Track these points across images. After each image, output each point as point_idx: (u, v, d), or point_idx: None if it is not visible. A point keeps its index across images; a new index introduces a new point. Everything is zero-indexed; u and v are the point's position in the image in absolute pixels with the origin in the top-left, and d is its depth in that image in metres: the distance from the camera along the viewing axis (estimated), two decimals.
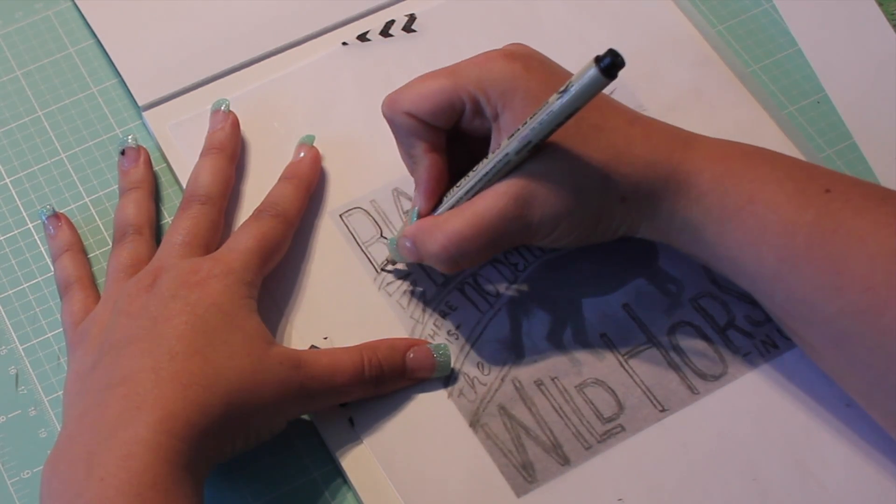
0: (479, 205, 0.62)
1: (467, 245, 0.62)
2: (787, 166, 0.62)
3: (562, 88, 0.57)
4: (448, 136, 0.65)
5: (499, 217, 0.61)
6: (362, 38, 0.76)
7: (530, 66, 0.62)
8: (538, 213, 0.61)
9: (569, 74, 0.61)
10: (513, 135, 0.60)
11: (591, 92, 0.57)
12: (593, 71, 0.56)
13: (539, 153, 0.61)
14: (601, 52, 0.56)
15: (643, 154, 0.61)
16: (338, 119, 0.73)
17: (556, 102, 0.58)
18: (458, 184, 0.64)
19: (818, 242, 0.59)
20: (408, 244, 0.64)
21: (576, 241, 0.63)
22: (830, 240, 0.58)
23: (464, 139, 0.65)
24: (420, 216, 0.65)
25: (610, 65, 0.55)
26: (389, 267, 0.68)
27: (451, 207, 0.64)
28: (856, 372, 0.60)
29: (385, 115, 0.65)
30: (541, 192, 0.61)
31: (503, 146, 0.61)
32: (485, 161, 0.62)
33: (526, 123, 0.59)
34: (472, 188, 0.63)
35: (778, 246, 0.59)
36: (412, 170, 0.66)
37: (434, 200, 0.65)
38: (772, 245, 0.60)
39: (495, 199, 0.61)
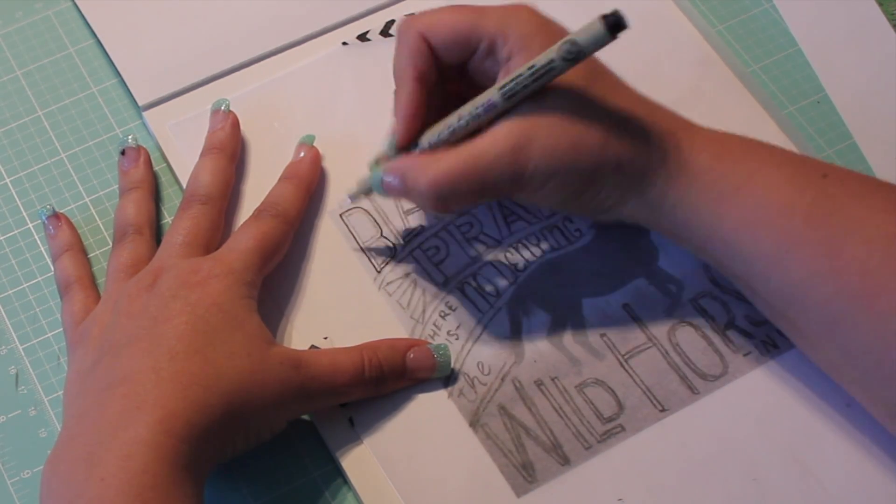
0: (476, 146, 0.61)
1: (458, 184, 0.61)
2: (783, 153, 0.63)
3: (562, 41, 0.58)
4: (449, 85, 0.65)
5: (494, 161, 0.61)
6: (362, 38, 0.76)
7: (552, 24, 0.63)
8: (533, 163, 0.61)
9: None
10: (502, 81, 0.60)
11: (591, 47, 0.57)
12: (598, 27, 0.56)
13: (545, 104, 0.61)
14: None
15: (645, 126, 0.62)
16: (338, 119, 0.73)
17: (551, 52, 0.58)
18: (443, 120, 0.63)
19: (815, 224, 0.59)
20: (393, 180, 0.64)
21: (563, 204, 0.63)
22: (828, 222, 0.59)
23: (464, 92, 0.64)
24: (397, 146, 0.65)
25: (614, 24, 0.56)
26: (350, 204, 0.69)
27: (429, 143, 0.64)
28: (850, 360, 0.59)
29: (398, 30, 0.65)
30: (539, 142, 0.60)
31: (488, 92, 0.61)
32: (472, 102, 0.62)
33: (515, 72, 0.60)
34: (452, 129, 0.62)
35: (775, 227, 0.60)
36: (397, 92, 0.65)
37: (412, 131, 0.64)
38: (769, 226, 0.60)
39: (493, 142, 0.61)
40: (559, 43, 0.58)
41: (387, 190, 0.65)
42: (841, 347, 0.60)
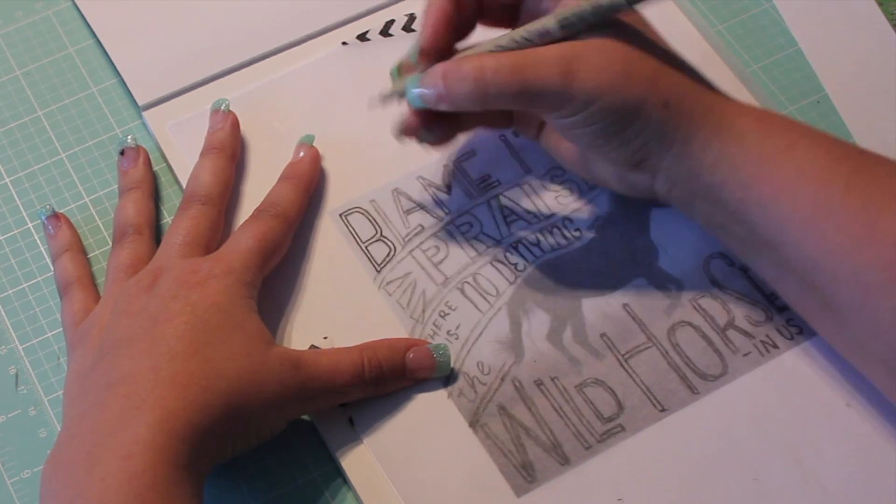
0: (526, 51, 0.60)
1: (502, 80, 0.60)
2: (820, 131, 0.63)
3: None
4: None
5: (543, 67, 0.60)
6: (362, 37, 0.76)
7: None
8: (581, 77, 0.60)
9: None
10: (563, 14, 0.60)
11: None
12: None
13: (599, 32, 0.60)
14: None
15: (694, 75, 0.62)
16: (338, 119, 0.73)
17: None
18: (490, 41, 0.62)
19: (854, 193, 0.59)
20: (433, 79, 0.62)
21: (601, 140, 0.62)
22: (866, 192, 0.59)
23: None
24: (421, 50, 0.63)
25: None
26: (379, 101, 0.66)
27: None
28: (877, 334, 0.59)
29: None
30: (590, 59, 0.60)
31: (545, 20, 0.60)
32: (525, 27, 0.61)
33: (579, 9, 0.59)
34: (500, 46, 0.61)
35: (814, 192, 0.60)
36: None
37: (439, 34, 0.63)
38: (808, 191, 0.60)
39: (543, 52, 0.60)
40: None
41: (424, 88, 0.62)
42: (870, 319, 0.59)
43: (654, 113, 0.61)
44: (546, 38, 0.60)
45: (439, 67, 0.62)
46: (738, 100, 0.63)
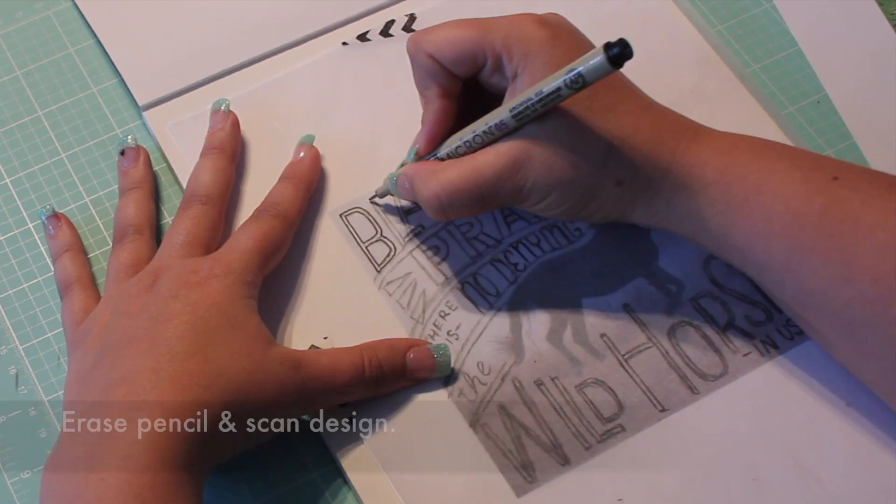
0: (478, 160, 0.63)
1: (458, 196, 0.63)
2: (794, 156, 0.62)
3: (567, 68, 0.58)
4: (465, 86, 0.66)
5: (493, 176, 0.62)
6: (362, 38, 0.76)
7: (559, 35, 0.63)
8: (531, 179, 0.62)
9: None
10: (512, 102, 0.61)
11: (595, 77, 0.58)
12: (600, 58, 0.57)
13: (547, 122, 0.61)
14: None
15: (648, 142, 0.62)
16: (338, 119, 0.73)
17: (557, 80, 0.59)
18: (459, 133, 0.64)
19: (827, 232, 0.59)
20: (406, 184, 0.66)
21: (566, 215, 0.64)
22: (839, 229, 0.58)
23: (480, 92, 0.66)
24: (418, 155, 0.66)
25: (618, 55, 0.56)
26: (378, 200, 0.70)
27: (446, 154, 0.65)
28: (869, 362, 0.60)
29: (408, 52, 0.66)
30: (538, 159, 0.61)
31: (499, 112, 0.62)
32: (484, 119, 0.63)
33: (524, 94, 0.60)
34: (466, 142, 0.64)
35: (786, 236, 0.60)
36: (423, 108, 0.67)
37: (434, 144, 0.66)
38: (780, 235, 0.60)
39: (494, 158, 0.62)
40: (565, 72, 0.58)
41: (400, 192, 0.67)
42: (859, 351, 0.60)
43: (609, 192, 0.63)
44: (504, 129, 0.62)
45: (410, 172, 0.66)
46: (705, 137, 0.62)
